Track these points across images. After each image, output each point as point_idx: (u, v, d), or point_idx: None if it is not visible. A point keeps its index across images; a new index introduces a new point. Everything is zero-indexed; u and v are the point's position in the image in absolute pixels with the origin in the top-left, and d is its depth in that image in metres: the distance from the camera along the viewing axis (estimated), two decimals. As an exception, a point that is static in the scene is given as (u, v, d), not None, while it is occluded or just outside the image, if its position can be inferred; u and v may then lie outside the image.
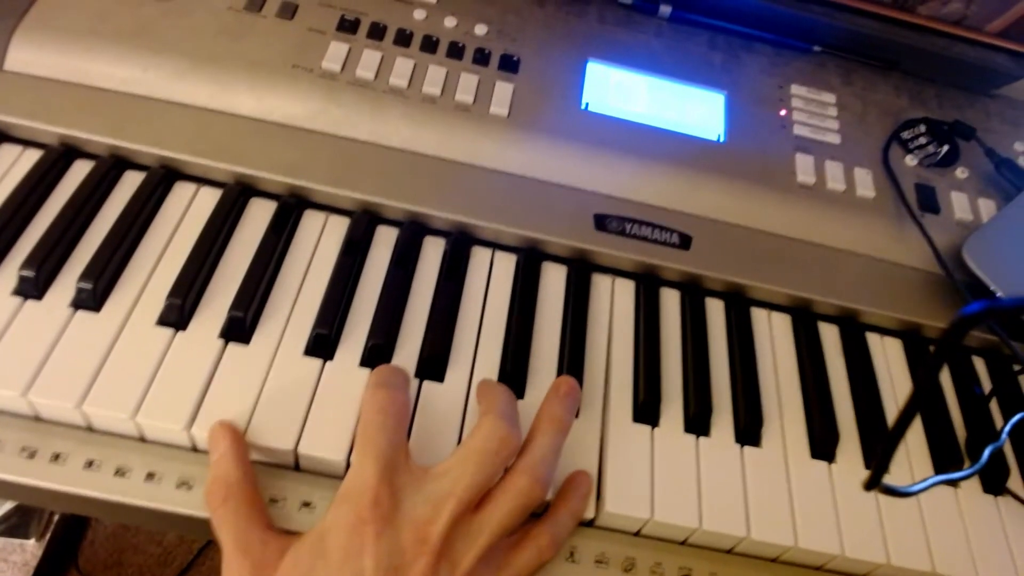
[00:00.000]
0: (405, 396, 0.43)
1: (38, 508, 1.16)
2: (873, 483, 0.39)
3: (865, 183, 0.61)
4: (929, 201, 0.61)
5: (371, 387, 0.43)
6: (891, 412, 0.53)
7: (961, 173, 0.63)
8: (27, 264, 0.46)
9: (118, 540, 1.18)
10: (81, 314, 0.45)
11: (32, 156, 0.52)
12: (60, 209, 0.49)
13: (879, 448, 0.42)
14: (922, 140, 0.64)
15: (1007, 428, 0.52)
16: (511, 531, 0.41)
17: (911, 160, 0.63)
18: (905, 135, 0.65)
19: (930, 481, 0.43)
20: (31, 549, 1.15)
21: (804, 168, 0.60)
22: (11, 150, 0.53)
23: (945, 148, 0.64)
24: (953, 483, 0.50)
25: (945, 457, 0.52)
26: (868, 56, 0.68)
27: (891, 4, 0.66)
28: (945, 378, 0.57)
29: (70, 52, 0.54)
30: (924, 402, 0.51)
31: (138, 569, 1.16)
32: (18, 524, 1.16)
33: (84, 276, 0.46)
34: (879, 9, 0.66)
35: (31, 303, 0.45)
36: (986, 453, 0.47)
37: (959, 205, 0.61)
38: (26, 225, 0.49)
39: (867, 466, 0.50)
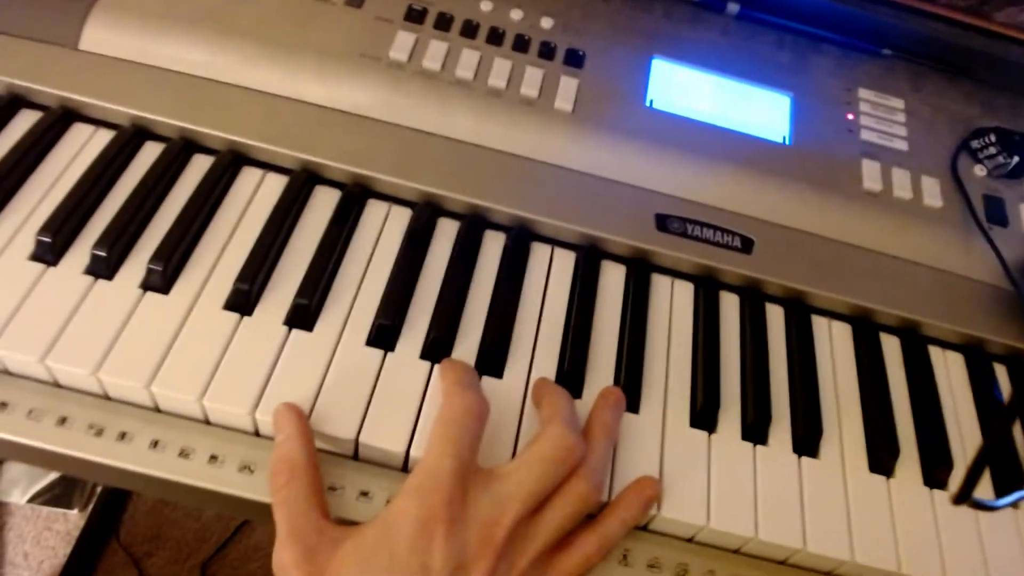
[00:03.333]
0: (487, 401, 0.43)
1: (81, 480, 1.18)
2: (963, 497, 0.39)
3: (932, 192, 0.59)
4: (998, 213, 0.60)
5: (456, 385, 0.43)
6: (951, 429, 0.52)
7: (1032, 186, 0.62)
8: (100, 244, 0.46)
9: (158, 514, 1.20)
10: (150, 296, 0.46)
11: (104, 136, 0.53)
12: (131, 190, 0.50)
13: (972, 464, 0.42)
14: (992, 150, 0.63)
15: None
16: (565, 533, 0.42)
17: (980, 170, 0.62)
18: (975, 144, 0.63)
19: (1015, 496, 0.43)
20: (73, 519, 1.18)
21: (870, 174, 0.59)
22: (83, 130, 0.54)
23: (1016, 159, 0.62)
24: (1014, 503, 0.49)
25: (1005, 475, 0.50)
26: (939, 61, 0.67)
27: (966, 9, 0.64)
28: (1007, 395, 0.55)
29: (143, 34, 0.55)
30: (1016, 418, 0.50)
31: (176, 543, 1.18)
32: (62, 495, 1.19)
33: (155, 258, 0.46)
34: (953, 13, 0.64)
35: (102, 283, 0.46)
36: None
37: (1029, 218, 0.60)
38: (98, 205, 0.50)
39: (926, 482, 0.49)
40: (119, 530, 1.18)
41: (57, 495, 1.19)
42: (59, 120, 0.53)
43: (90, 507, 1.19)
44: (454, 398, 0.42)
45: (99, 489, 1.20)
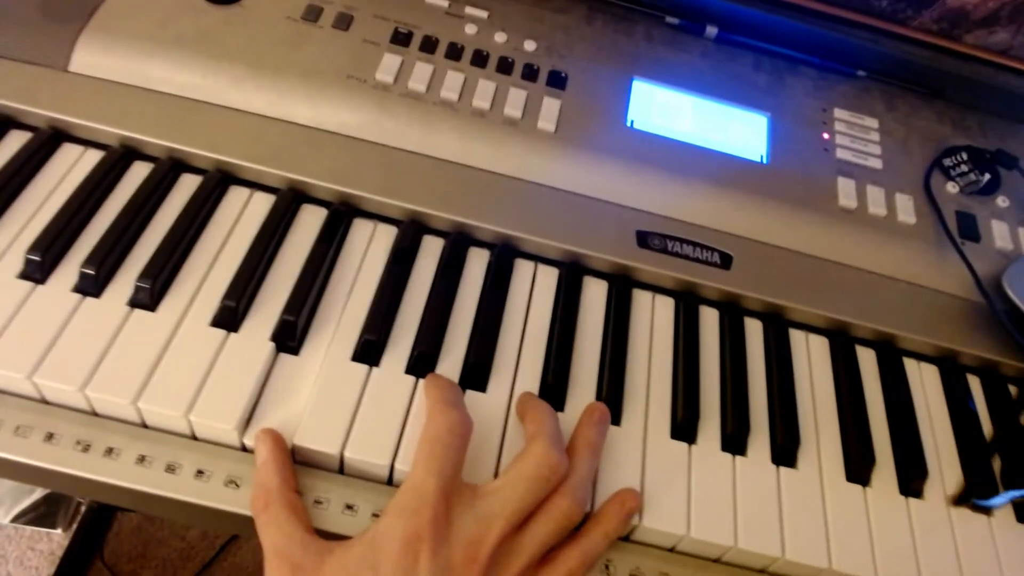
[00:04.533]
0: (471, 419, 0.43)
1: (66, 499, 1.18)
2: (963, 499, 0.45)
3: (906, 209, 0.61)
4: (970, 229, 0.61)
5: (440, 403, 0.43)
6: (926, 439, 0.53)
7: (1002, 202, 0.63)
8: (88, 262, 0.47)
9: (143, 533, 1.19)
10: (138, 313, 0.47)
11: (93, 156, 0.54)
12: (120, 209, 0.51)
13: (973, 468, 0.46)
14: (964, 168, 0.64)
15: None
16: (549, 548, 0.42)
17: (952, 187, 0.63)
18: (947, 162, 0.65)
19: (1008, 496, 0.45)
20: (57, 539, 1.17)
21: (846, 192, 0.60)
22: (73, 150, 0.54)
23: (987, 176, 0.64)
24: (987, 511, 0.50)
25: (980, 483, 0.51)
26: (912, 82, 0.69)
27: (937, 31, 0.66)
28: (982, 406, 0.56)
29: (132, 56, 0.56)
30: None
31: (161, 562, 1.17)
32: (46, 514, 1.18)
33: (143, 275, 0.47)
34: (925, 36, 0.66)
35: (90, 300, 0.47)
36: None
37: (1000, 234, 0.61)
38: (86, 224, 0.50)
39: (902, 491, 0.50)
40: (104, 549, 1.17)
41: (41, 514, 1.17)
42: (48, 140, 0.54)
43: (74, 526, 1.18)
44: (438, 416, 0.43)
45: (83, 508, 1.19)
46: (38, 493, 1.18)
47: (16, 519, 1.18)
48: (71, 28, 0.56)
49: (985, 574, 0.48)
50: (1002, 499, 0.46)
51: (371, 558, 0.38)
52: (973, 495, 0.50)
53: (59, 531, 1.18)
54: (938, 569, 0.47)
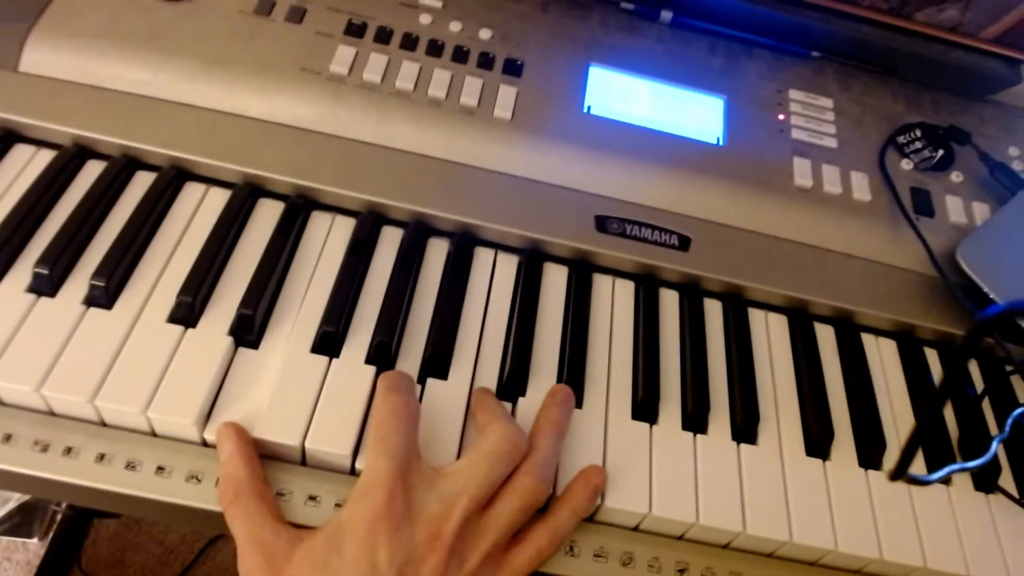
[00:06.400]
0: (416, 400, 0.44)
1: (41, 507, 1.16)
2: (899, 474, 0.42)
3: (861, 187, 0.62)
4: (924, 204, 0.62)
5: (383, 391, 0.44)
6: (885, 412, 0.54)
7: (956, 177, 0.64)
8: (41, 261, 0.47)
9: (120, 539, 1.18)
10: (93, 311, 0.46)
11: (46, 156, 0.53)
12: (73, 208, 0.50)
13: (907, 442, 0.44)
14: (918, 144, 0.65)
15: (1010, 421, 0.53)
16: (516, 529, 0.43)
17: (907, 164, 0.64)
18: (901, 139, 0.66)
19: (946, 470, 0.46)
20: (34, 548, 1.16)
21: (802, 172, 0.61)
22: (25, 150, 0.54)
23: (940, 152, 0.65)
24: (946, 480, 0.51)
25: (938, 455, 0.53)
26: (865, 62, 0.69)
27: (888, 10, 0.67)
28: (937, 378, 0.57)
29: (83, 54, 0.55)
30: (947, 398, 0.53)
31: (140, 568, 1.17)
32: (21, 523, 1.17)
33: (97, 274, 0.47)
34: (876, 15, 0.67)
35: (45, 300, 0.46)
36: (994, 445, 0.49)
37: (954, 208, 0.62)
38: (40, 223, 0.50)
39: (861, 463, 0.51)
40: (81, 557, 1.16)
41: (16, 524, 1.16)
42: (-1, 142, 0.53)
43: (51, 535, 1.16)
44: (380, 404, 0.43)
45: (59, 516, 1.18)
46: (13, 502, 1.17)
47: (-9, 530, 1.16)
48: (20, 27, 0.55)
49: (944, 542, 0.48)
50: (938, 474, 0.47)
51: (336, 543, 0.39)
52: (936, 465, 0.51)
53: (35, 540, 1.16)
54: (898, 539, 0.48)
